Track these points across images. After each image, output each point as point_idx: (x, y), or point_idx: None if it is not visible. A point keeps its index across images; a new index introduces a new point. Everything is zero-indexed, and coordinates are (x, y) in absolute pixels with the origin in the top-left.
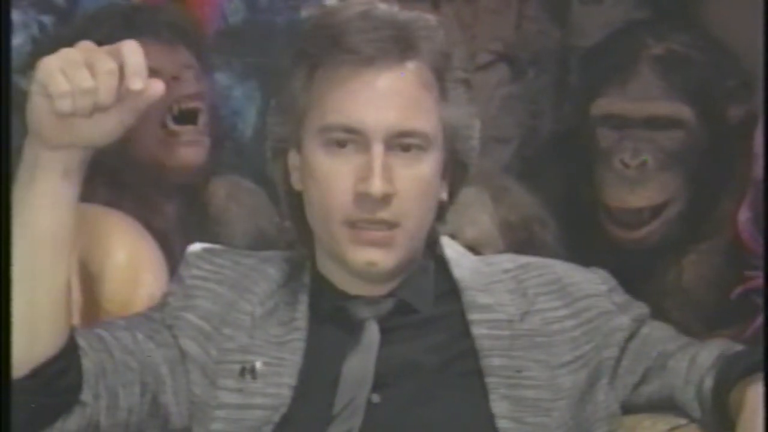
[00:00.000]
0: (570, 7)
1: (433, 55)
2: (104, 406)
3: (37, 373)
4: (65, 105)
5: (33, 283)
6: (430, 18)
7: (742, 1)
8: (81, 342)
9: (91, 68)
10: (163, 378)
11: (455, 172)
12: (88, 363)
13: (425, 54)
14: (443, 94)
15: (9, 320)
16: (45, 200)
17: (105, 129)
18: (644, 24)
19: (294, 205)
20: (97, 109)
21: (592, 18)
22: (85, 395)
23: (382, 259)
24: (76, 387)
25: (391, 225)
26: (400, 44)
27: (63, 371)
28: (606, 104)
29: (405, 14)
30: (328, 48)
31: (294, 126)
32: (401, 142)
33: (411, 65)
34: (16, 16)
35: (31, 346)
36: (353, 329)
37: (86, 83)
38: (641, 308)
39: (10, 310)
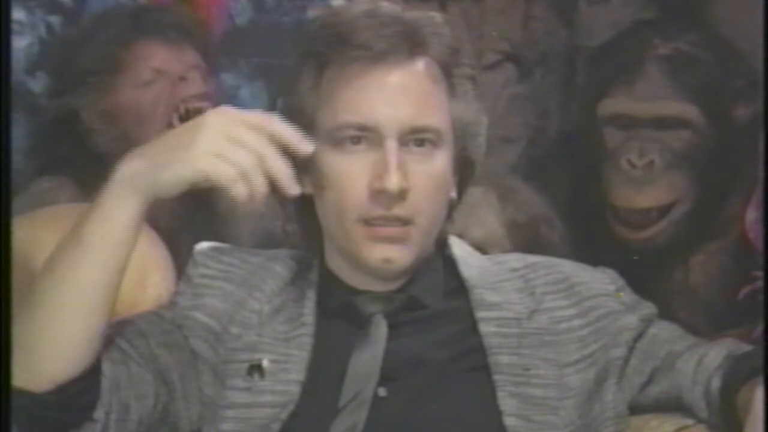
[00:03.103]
0: (577, 7)
1: (442, 51)
2: (114, 419)
3: (61, 390)
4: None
5: (87, 304)
6: (436, 15)
7: (750, 0)
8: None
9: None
10: (174, 385)
11: (464, 169)
12: (105, 382)
13: (434, 50)
14: (451, 90)
15: (9, 323)
16: (127, 231)
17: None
18: (651, 24)
19: (301, 206)
20: None
21: (599, 18)
22: (98, 413)
23: (398, 256)
24: (92, 405)
25: (406, 221)
26: (409, 40)
27: (85, 390)
28: (613, 104)
29: (410, 12)
30: (336, 46)
31: (302, 128)
32: (414, 138)
33: (421, 61)
34: (23, 16)
35: (63, 363)
36: (361, 324)
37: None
38: (649, 308)
39: (11, 312)
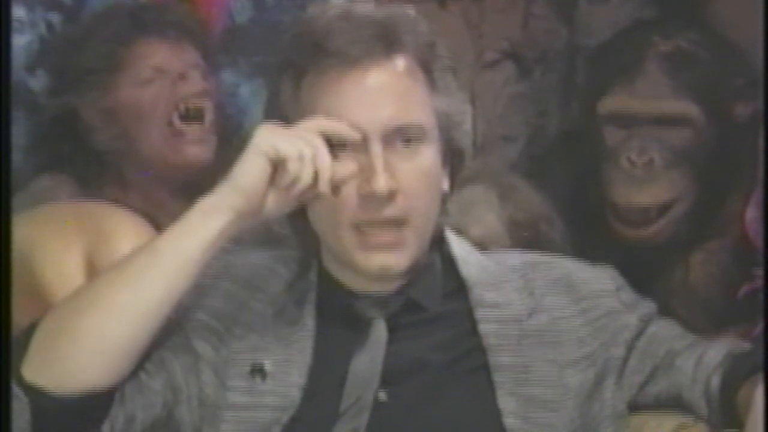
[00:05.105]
0: (577, 6)
1: (418, 47)
2: (118, 430)
3: (85, 398)
4: (294, 168)
5: (144, 314)
6: (410, 11)
7: None
8: None
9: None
10: (179, 389)
11: (453, 160)
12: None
13: (410, 47)
14: (432, 84)
15: (9, 321)
16: (205, 249)
17: (284, 207)
18: (651, 22)
19: (295, 214)
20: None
21: (599, 16)
22: (105, 426)
23: (396, 261)
24: (103, 419)
25: (399, 223)
26: (384, 41)
27: (107, 403)
28: (613, 102)
29: (384, 10)
30: (312, 54)
31: None
32: (399, 137)
33: (397, 60)
34: (23, 14)
35: (100, 373)
36: (361, 327)
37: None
38: (649, 307)
39: (10, 310)
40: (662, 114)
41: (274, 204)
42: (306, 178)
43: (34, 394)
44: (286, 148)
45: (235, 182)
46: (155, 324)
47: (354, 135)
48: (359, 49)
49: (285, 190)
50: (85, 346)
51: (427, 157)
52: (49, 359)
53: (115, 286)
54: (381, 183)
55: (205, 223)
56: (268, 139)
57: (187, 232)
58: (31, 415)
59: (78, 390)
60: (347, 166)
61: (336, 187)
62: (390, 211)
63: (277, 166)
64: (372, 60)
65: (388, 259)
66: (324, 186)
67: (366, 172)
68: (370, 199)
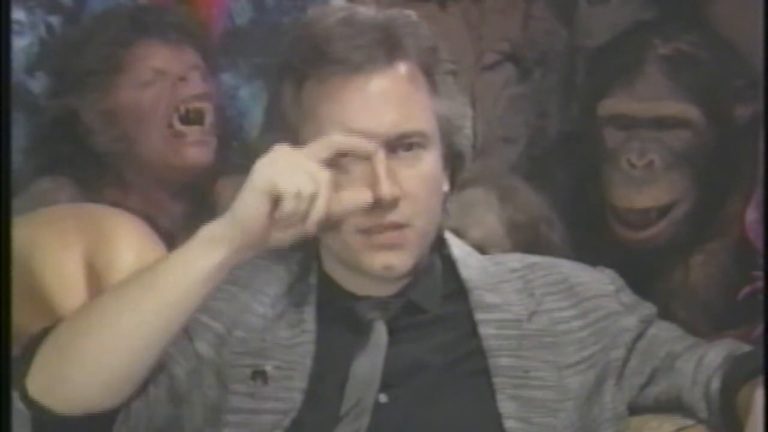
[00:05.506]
0: (577, 8)
1: (420, 52)
2: None
3: (88, 417)
4: (290, 206)
5: (143, 345)
6: (411, 14)
7: (750, 1)
8: None
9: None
10: (183, 395)
11: (454, 162)
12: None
13: (412, 52)
14: (434, 89)
15: (9, 322)
16: (204, 280)
17: (288, 240)
18: (651, 24)
19: None
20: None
21: (599, 18)
22: None
23: (399, 261)
24: None
25: (402, 227)
26: (386, 46)
27: (106, 423)
28: (613, 104)
29: (385, 14)
30: (313, 60)
31: (288, 141)
32: (402, 144)
33: (400, 65)
34: (23, 16)
35: (101, 397)
36: (361, 330)
37: (309, 189)
38: (649, 309)
39: (11, 310)
40: (662, 116)
41: (277, 236)
42: (301, 216)
43: (37, 410)
44: (285, 186)
45: (235, 216)
46: (156, 350)
47: (370, 147)
48: (361, 55)
49: (282, 224)
50: (86, 368)
51: (429, 162)
52: (52, 379)
53: (116, 310)
54: (384, 191)
55: (205, 255)
56: (267, 174)
57: (184, 264)
58: (32, 429)
59: (82, 411)
60: (353, 198)
61: (334, 221)
62: (393, 217)
63: (277, 200)
64: (374, 66)
65: (392, 259)
66: (310, 226)
67: (369, 180)
68: (373, 205)
